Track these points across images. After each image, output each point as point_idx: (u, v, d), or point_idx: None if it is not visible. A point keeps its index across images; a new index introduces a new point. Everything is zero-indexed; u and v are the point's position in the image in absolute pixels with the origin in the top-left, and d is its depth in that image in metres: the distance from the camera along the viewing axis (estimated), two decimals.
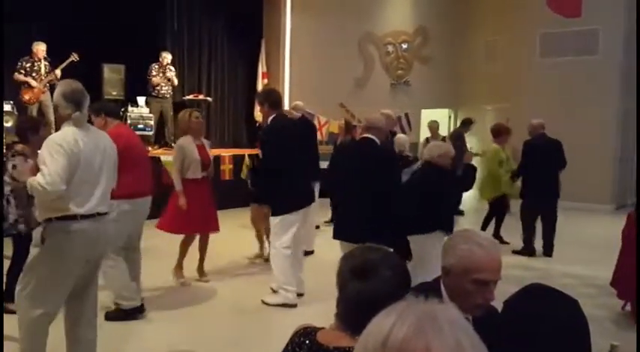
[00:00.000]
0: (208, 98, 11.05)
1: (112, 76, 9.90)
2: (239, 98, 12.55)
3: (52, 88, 7.94)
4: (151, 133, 9.75)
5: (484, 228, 7.74)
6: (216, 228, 5.60)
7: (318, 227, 7.50)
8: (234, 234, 6.17)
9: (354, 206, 4.37)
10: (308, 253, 6.63)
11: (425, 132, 13.12)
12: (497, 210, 7.82)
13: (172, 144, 10.05)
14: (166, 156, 8.82)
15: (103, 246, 3.38)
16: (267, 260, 5.90)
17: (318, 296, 4.85)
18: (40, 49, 8.65)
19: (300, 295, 5.18)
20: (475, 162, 10.90)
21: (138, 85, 9.96)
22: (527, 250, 7.24)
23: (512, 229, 7.60)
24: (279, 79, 12.13)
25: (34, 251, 3.20)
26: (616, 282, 5.13)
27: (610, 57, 11.30)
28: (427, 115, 13.52)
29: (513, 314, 2.33)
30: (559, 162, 7.22)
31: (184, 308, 4.96)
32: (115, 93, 9.86)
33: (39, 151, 3.14)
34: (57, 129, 3.49)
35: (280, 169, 4.82)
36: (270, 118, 4.94)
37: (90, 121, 3.63)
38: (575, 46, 11.63)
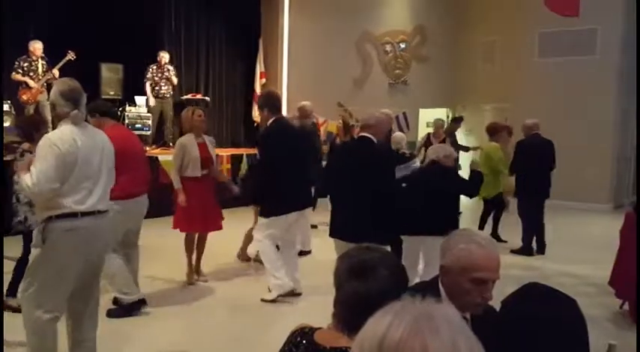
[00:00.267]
0: (206, 98, 11.04)
1: (110, 75, 9.89)
2: (237, 98, 12.55)
3: (49, 88, 7.91)
4: (149, 133, 9.74)
5: (481, 226, 7.75)
6: (218, 227, 5.58)
7: (316, 226, 7.49)
8: (232, 233, 6.16)
9: (347, 205, 4.41)
10: (305, 253, 6.63)
11: (423, 132, 13.16)
12: (494, 209, 7.82)
13: (171, 144, 10.06)
14: (164, 156, 8.81)
15: (102, 245, 3.38)
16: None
17: (317, 295, 4.85)
18: (37, 47, 8.61)
19: (297, 294, 5.19)
20: (471, 157, 10.97)
21: (136, 84, 9.95)
22: (526, 250, 7.25)
23: (511, 228, 7.60)
24: (277, 78, 12.12)
25: (34, 252, 3.19)
26: (614, 282, 5.14)
27: (608, 56, 11.31)
28: (425, 115, 13.55)
29: (511, 313, 2.33)
30: (550, 162, 7.25)
31: (185, 307, 4.95)
32: (112, 92, 9.85)
33: None
34: (53, 128, 3.48)
35: (275, 172, 4.83)
36: (270, 122, 4.96)
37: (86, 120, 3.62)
38: (573, 45, 11.63)
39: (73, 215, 3.11)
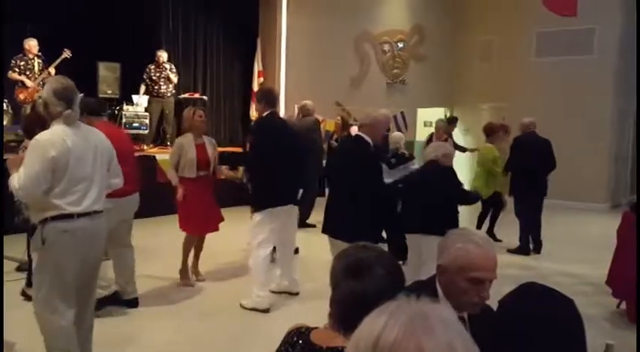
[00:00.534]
0: (204, 97, 11.01)
1: (107, 74, 9.85)
2: (235, 97, 12.52)
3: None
4: (146, 132, 9.70)
5: (479, 226, 7.76)
6: (214, 228, 5.58)
7: (314, 225, 7.50)
8: (230, 232, 6.15)
9: (335, 202, 4.50)
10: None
11: (421, 131, 13.17)
12: (491, 208, 7.84)
13: (169, 143, 10.04)
14: (162, 155, 8.79)
15: (99, 245, 3.35)
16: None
17: (316, 295, 4.85)
18: (32, 44, 8.57)
19: (294, 294, 5.20)
20: (469, 158, 11.00)
21: (133, 83, 9.92)
22: (524, 249, 7.26)
23: (507, 227, 7.61)
24: (274, 77, 12.10)
25: (35, 256, 3.17)
26: (611, 281, 5.14)
27: (605, 56, 11.33)
28: (423, 114, 13.55)
29: (508, 313, 2.33)
30: (548, 161, 7.26)
31: (183, 307, 4.94)
32: (109, 91, 9.81)
33: None
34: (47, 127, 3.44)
35: (264, 162, 4.84)
36: (264, 114, 5.02)
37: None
38: (570, 45, 11.66)
39: (69, 216, 3.08)
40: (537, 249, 7.33)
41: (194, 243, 5.55)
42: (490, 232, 7.66)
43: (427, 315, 0.80)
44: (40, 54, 8.68)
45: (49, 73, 8.56)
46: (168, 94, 10.14)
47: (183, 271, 5.55)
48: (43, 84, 8.48)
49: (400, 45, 13.29)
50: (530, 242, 7.35)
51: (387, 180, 5.86)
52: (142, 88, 9.98)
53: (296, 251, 6.72)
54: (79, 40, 8.87)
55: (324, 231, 4.55)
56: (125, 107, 9.48)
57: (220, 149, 5.97)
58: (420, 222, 4.52)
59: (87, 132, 3.26)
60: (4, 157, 4.69)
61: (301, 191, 5.22)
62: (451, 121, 10.49)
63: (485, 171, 7.67)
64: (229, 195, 8.01)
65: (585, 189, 11.15)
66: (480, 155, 7.96)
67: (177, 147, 5.43)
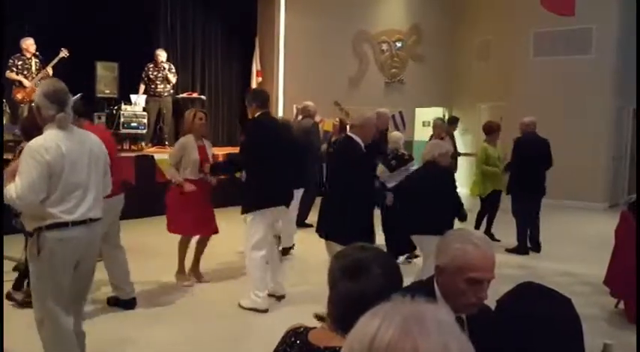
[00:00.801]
0: (202, 96, 11.00)
1: (105, 73, 9.83)
2: (233, 96, 12.51)
3: None
4: (144, 132, 9.68)
5: (478, 225, 7.76)
6: (214, 230, 5.55)
7: (312, 225, 7.49)
8: (228, 233, 6.14)
9: (328, 203, 4.53)
10: (287, 249, 6.64)
11: (419, 131, 13.17)
12: (489, 207, 7.84)
13: (167, 143, 10.03)
14: (160, 155, 8.78)
15: (92, 254, 3.30)
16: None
17: (313, 295, 4.84)
18: (29, 43, 8.54)
19: (279, 297, 5.14)
20: (467, 161, 11.01)
21: (131, 82, 9.91)
22: (521, 249, 7.26)
23: (505, 227, 7.61)
24: (273, 77, 12.09)
25: (31, 265, 3.12)
26: (609, 281, 5.15)
27: (603, 56, 11.34)
28: (421, 114, 13.56)
29: (507, 313, 2.33)
30: (547, 161, 7.27)
31: (182, 307, 4.93)
32: (108, 91, 9.80)
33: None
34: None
35: (256, 164, 4.81)
36: (257, 115, 4.95)
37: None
38: (568, 44, 11.66)
39: (64, 225, 3.00)
40: (537, 248, 7.33)
41: (189, 243, 5.52)
42: (488, 232, 7.67)
43: (422, 316, 0.79)
44: (37, 53, 8.66)
45: (47, 73, 8.55)
46: (165, 93, 10.12)
47: (180, 272, 5.54)
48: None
49: (398, 44, 13.30)
50: (528, 241, 7.35)
51: (389, 183, 5.88)
52: (142, 88, 9.98)
53: (292, 247, 6.74)
54: (77, 40, 8.85)
55: (317, 231, 4.58)
56: (123, 107, 9.46)
57: (216, 148, 5.95)
58: (420, 222, 4.51)
59: (81, 136, 3.17)
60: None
61: (302, 191, 5.21)
62: (452, 121, 10.47)
63: (480, 171, 7.76)
64: (229, 194, 8.01)
65: (583, 188, 11.16)
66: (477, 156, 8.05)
67: (179, 147, 5.40)
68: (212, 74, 12.06)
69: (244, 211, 4.88)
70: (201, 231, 5.50)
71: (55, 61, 8.67)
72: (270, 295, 5.01)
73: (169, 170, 5.42)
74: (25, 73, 8.59)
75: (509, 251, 7.20)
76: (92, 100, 9.42)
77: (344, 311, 1.44)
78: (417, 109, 13.51)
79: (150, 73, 9.97)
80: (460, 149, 10.17)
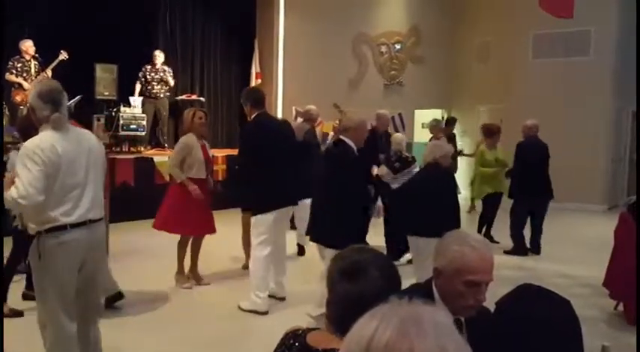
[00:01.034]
0: (201, 98, 11.00)
1: (105, 75, 9.83)
2: (232, 98, 12.50)
3: None
4: (143, 134, 9.68)
5: (480, 229, 7.75)
6: (213, 230, 5.54)
7: None
8: (226, 235, 6.13)
9: (316, 205, 4.56)
10: (303, 247, 6.71)
11: (419, 133, 13.17)
12: (488, 210, 7.84)
13: (166, 145, 10.03)
14: (159, 157, 8.78)
15: (97, 255, 3.24)
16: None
17: (313, 297, 4.83)
18: (28, 45, 8.53)
19: (280, 299, 5.13)
20: (466, 162, 11.02)
21: (130, 85, 9.91)
22: (520, 250, 7.26)
23: (504, 228, 7.61)
24: (272, 79, 12.09)
25: (33, 270, 3.09)
26: (608, 283, 5.14)
27: (602, 57, 11.36)
28: (420, 115, 13.56)
29: (505, 315, 2.33)
30: (546, 164, 7.29)
31: (181, 310, 4.93)
32: (107, 93, 9.79)
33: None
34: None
35: (256, 166, 4.77)
36: (253, 116, 4.89)
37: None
38: (567, 46, 11.68)
39: (62, 227, 2.95)
40: (537, 250, 7.32)
41: (187, 244, 5.51)
42: (487, 234, 7.67)
43: (420, 318, 0.79)
44: (36, 55, 8.66)
45: (46, 75, 8.55)
46: (162, 95, 10.11)
47: (180, 272, 5.53)
48: None
49: (397, 46, 13.31)
50: (528, 243, 7.35)
51: (393, 185, 5.89)
52: (137, 88, 9.96)
53: (302, 250, 6.75)
54: (76, 42, 8.85)
55: (307, 234, 4.59)
56: (122, 109, 9.45)
57: (215, 150, 5.95)
58: (419, 224, 4.51)
59: (78, 136, 3.13)
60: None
61: (309, 201, 5.17)
62: (450, 122, 10.50)
63: (478, 173, 7.82)
64: (224, 197, 8.02)
65: (582, 190, 11.16)
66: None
67: (182, 146, 5.35)
68: (211, 76, 12.06)
69: (252, 213, 4.87)
70: (202, 231, 5.50)
71: (55, 63, 8.67)
72: (270, 296, 4.99)
73: (173, 170, 5.36)
74: (25, 75, 8.59)
75: (507, 252, 7.20)
76: (91, 102, 9.45)
77: (342, 312, 1.44)
78: (416, 111, 13.51)
79: (147, 74, 9.97)
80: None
